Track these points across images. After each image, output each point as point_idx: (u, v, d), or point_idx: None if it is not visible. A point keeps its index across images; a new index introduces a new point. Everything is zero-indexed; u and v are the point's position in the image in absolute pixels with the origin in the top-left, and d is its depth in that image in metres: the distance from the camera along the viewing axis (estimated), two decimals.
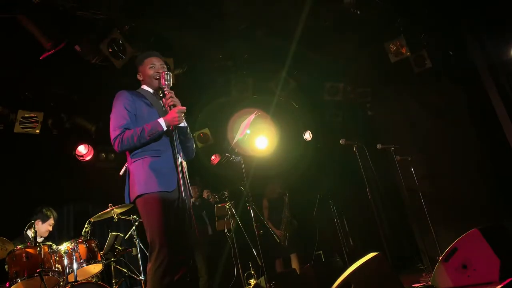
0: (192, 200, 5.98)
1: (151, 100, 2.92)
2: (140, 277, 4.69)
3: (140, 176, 2.70)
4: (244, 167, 4.52)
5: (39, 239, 4.63)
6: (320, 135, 7.01)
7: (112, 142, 2.74)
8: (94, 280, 4.27)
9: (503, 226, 3.85)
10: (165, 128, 2.73)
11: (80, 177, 6.07)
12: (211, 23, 4.95)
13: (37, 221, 4.67)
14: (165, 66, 3.02)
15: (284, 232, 6.14)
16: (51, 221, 4.76)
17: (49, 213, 4.76)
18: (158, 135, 2.74)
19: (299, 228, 6.61)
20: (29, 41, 4.13)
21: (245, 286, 5.54)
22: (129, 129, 2.74)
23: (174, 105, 2.76)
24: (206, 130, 6.85)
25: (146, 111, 2.84)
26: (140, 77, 3.03)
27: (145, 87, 3.01)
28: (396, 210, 6.84)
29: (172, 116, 2.74)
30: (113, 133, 2.74)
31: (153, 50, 3.09)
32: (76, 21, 4.31)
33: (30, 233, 4.56)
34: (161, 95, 2.95)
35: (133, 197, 2.73)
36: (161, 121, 2.74)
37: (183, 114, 2.79)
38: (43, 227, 4.70)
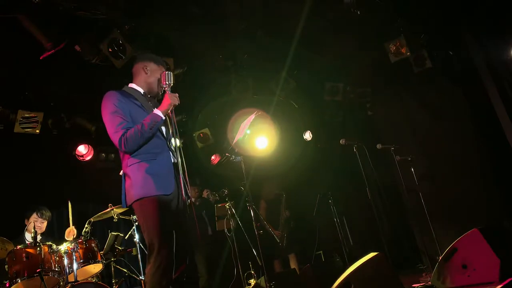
0: (192, 200, 5.98)
1: (142, 101, 2.85)
2: (140, 277, 4.69)
3: (137, 180, 2.65)
4: (244, 167, 4.52)
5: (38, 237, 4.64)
6: (320, 135, 7.01)
7: (118, 145, 2.65)
8: (94, 280, 4.27)
9: (503, 226, 3.85)
10: (163, 117, 2.72)
11: (80, 177, 6.06)
12: (211, 23, 4.95)
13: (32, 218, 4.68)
14: None
15: (282, 233, 6.14)
16: (36, 217, 4.76)
17: (42, 212, 4.78)
18: (158, 127, 2.72)
19: (298, 228, 6.60)
20: (29, 41, 4.13)
21: (245, 286, 5.54)
22: (129, 128, 2.67)
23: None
24: (206, 130, 6.85)
25: (138, 113, 2.77)
26: (145, 71, 2.89)
27: (134, 85, 2.92)
28: (396, 210, 6.83)
29: (167, 102, 2.74)
30: (116, 135, 2.66)
31: (154, 54, 3.06)
32: (76, 21, 4.31)
33: (29, 233, 4.56)
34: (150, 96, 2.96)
35: (130, 201, 2.69)
36: (157, 111, 2.72)
37: (176, 97, 2.79)
38: (37, 222, 4.69)
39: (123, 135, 2.64)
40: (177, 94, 2.82)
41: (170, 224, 2.65)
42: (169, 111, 2.77)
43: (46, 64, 4.47)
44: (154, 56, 3.01)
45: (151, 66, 2.92)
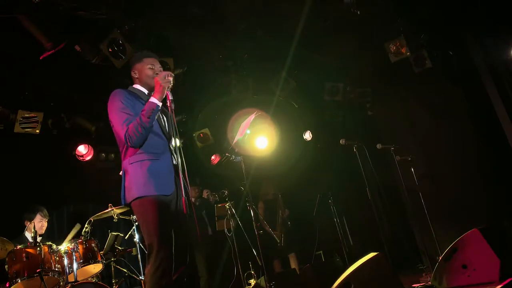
0: (192, 200, 5.99)
1: (147, 101, 2.84)
2: (140, 277, 4.69)
3: (138, 178, 2.67)
4: (244, 167, 4.52)
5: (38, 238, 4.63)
6: (320, 135, 7.01)
7: (124, 141, 2.69)
8: (94, 280, 4.26)
9: (503, 226, 3.85)
10: (158, 103, 2.70)
11: (80, 177, 6.06)
12: (211, 23, 4.96)
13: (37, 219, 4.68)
14: (161, 69, 3.00)
15: (280, 233, 6.15)
16: (40, 217, 4.75)
17: (44, 212, 4.77)
18: (157, 113, 2.71)
19: (298, 228, 6.60)
20: (29, 41, 4.13)
21: (245, 286, 5.54)
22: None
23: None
24: (206, 130, 6.85)
25: None
26: (135, 75, 2.95)
27: (138, 86, 2.95)
28: (396, 210, 6.84)
29: (158, 87, 2.71)
30: (122, 132, 2.69)
31: (151, 51, 3.05)
32: (76, 21, 4.31)
33: (28, 233, 4.56)
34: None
35: (129, 199, 2.70)
36: (152, 99, 2.71)
37: (169, 78, 2.75)
38: (38, 224, 4.69)
39: (127, 130, 2.67)
40: (168, 73, 2.78)
41: (170, 225, 2.66)
42: (165, 94, 2.73)
43: (46, 64, 4.47)
44: (137, 55, 3.04)
45: (136, 67, 2.96)
